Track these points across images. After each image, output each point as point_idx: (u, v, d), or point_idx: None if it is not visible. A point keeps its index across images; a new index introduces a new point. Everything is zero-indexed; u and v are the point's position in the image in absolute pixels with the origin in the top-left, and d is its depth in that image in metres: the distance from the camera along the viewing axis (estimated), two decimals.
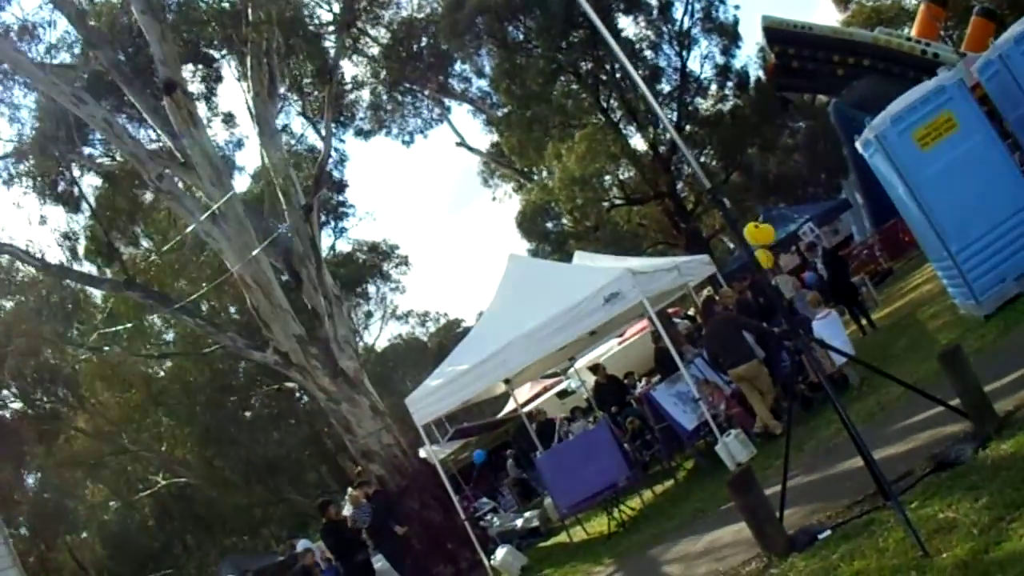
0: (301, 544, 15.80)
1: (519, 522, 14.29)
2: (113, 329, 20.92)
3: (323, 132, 19.00)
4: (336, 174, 31.12)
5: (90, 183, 24.17)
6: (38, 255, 18.49)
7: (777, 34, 24.64)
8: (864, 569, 4.92)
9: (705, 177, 7.01)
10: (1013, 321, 8.49)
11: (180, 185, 15.52)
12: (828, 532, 5.79)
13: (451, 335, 39.77)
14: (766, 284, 11.24)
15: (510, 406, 25.14)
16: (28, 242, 35.85)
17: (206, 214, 14.54)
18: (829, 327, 10.38)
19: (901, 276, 19.91)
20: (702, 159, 30.25)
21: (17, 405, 29.91)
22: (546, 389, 26.61)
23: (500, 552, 11.88)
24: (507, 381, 14.47)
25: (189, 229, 15.47)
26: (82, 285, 24.42)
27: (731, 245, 38.13)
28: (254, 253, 14.44)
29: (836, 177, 29.00)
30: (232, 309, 27.60)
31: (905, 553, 4.79)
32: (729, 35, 29.86)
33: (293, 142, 25.33)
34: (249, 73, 16.08)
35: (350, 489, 14.73)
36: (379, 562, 13.51)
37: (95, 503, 33.21)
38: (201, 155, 14.76)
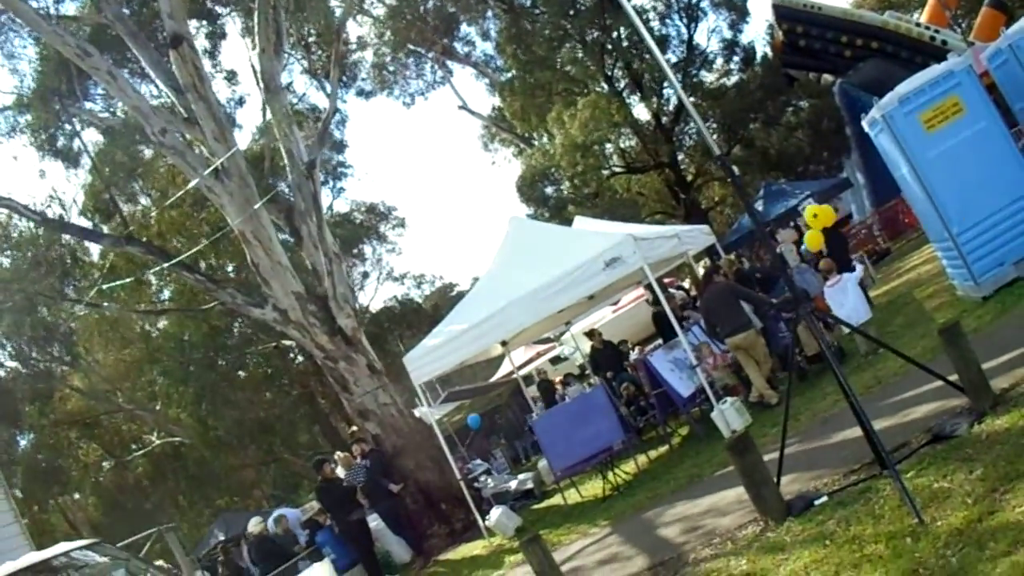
0: (272, 517, 15.49)
1: (513, 484, 14.37)
2: (110, 285, 20.86)
3: (328, 90, 18.89)
4: (337, 134, 31.07)
5: (90, 139, 24.13)
6: (37, 209, 18.44)
7: (787, 12, 24.58)
8: (860, 535, 5.03)
9: (714, 144, 7.02)
10: (1010, 303, 8.62)
11: (182, 140, 15.46)
12: (824, 498, 5.90)
13: (446, 298, 39.84)
14: (772, 252, 11.33)
15: (504, 370, 25.34)
16: (29, 197, 35.89)
17: (210, 168, 14.49)
18: (839, 293, 10.49)
19: (899, 256, 19.99)
20: None
21: (13, 364, 29.94)
22: (539, 355, 26.81)
23: (494, 513, 11.99)
24: (504, 343, 14.57)
25: (192, 184, 15.37)
26: (81, 240, 24.31)
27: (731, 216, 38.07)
28: (256, 207, 14.42)
29: (838, 156, 28.92)
30: (230, 267, 27.55)
31: (900, 520, 4.91)
32: (738, 10, 29.83)
33: (295, 101, 25.20)
34: (256, 29, 15.92)
35: (338, 453, 14.78)
36: (374, 521, 13.58)
37: (89, 463, 33.23)
38: (205, 110, 14.66)
